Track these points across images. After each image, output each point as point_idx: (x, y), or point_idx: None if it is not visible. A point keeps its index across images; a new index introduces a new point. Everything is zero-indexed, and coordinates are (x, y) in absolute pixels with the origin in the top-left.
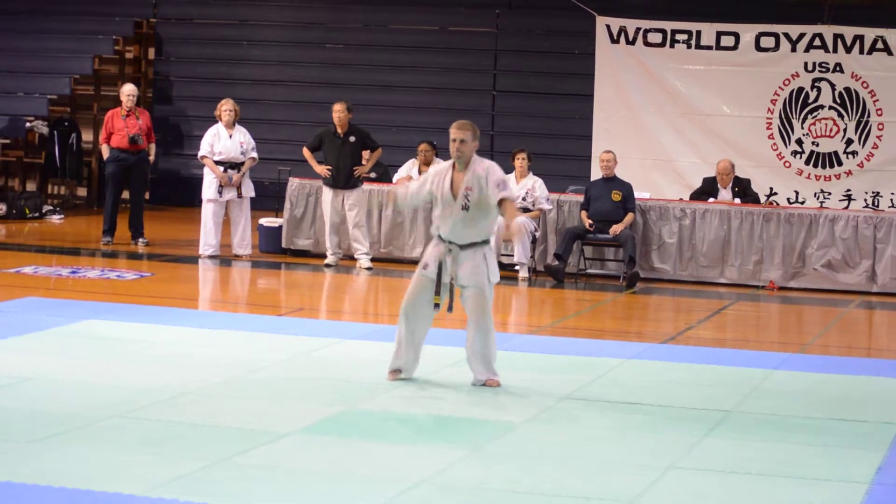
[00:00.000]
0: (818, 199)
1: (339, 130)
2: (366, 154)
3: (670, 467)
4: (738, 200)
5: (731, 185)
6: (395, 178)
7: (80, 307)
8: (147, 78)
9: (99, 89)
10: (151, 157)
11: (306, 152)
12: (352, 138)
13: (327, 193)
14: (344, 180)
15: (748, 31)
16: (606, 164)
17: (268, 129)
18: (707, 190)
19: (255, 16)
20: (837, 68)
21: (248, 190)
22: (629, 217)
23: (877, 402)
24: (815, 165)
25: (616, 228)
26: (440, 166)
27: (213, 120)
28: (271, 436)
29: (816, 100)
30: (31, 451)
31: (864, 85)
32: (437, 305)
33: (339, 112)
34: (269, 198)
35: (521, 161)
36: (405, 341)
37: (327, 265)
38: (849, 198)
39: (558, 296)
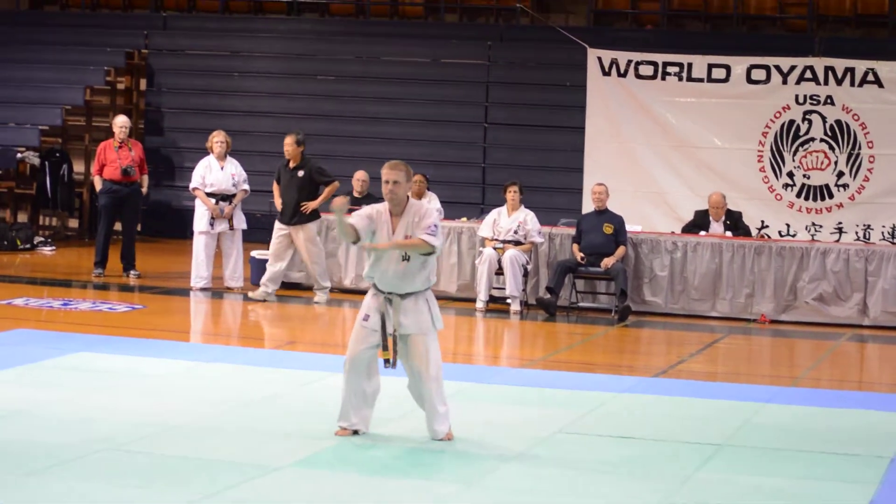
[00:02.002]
0: (809, 231)
1: (290, 164)
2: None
3: (662, 501)
4: (729, 234)
5: (723, 218)
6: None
7: (72, 339)
8: (138, 109)
9: (90, 120)
10: (144, 189)
11: (275, 186)
12: (300, 172)
13: (276, 227)
14: (289, 215)
15: (739, 64)
16: (598, 196)
17: (259, 160)
18: (699, 223)
19: (247, 47)
20: (828, 101)
21: (240, 222)
22: (621, 250)
23: (868, 435)
24: (807, 198)
25: (608, 262)
26: (375, 208)
27: (205, 151)
28: (262, 469)
29: (808, 132)
30: (23, 484)
31: (855, 117)
32: (387, 361)
33: (287, 145)
34: (260, 230)
35: (512, 194)
36: (355, 398)
37: (251, 298)
38: (840, 230)
39: (550, 329)
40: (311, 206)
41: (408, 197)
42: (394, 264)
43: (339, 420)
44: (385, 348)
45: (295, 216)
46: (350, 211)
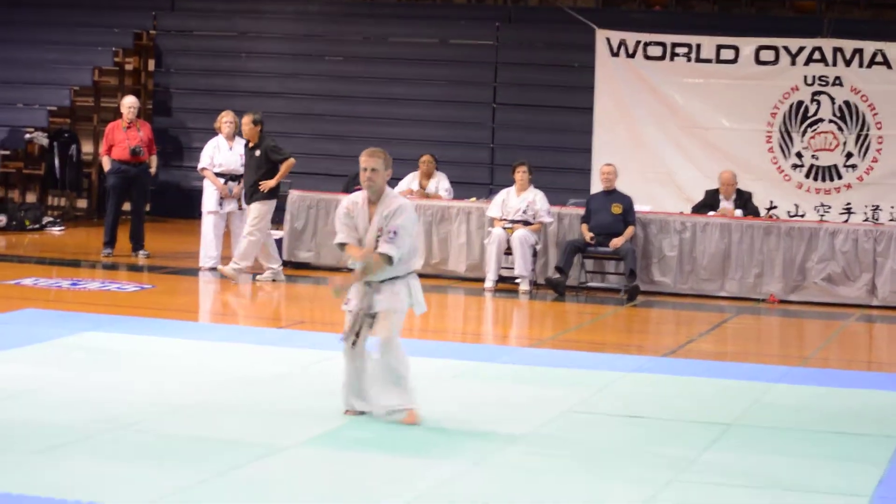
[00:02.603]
0: (818, 212)
1: (249, 144)
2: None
3: (671, 480)
4: (739, 212)
5: (733, 196)
6: (396, 191)
7: (80, 319)
8: (147, 90)
9: (99, 101)
10: (153, 170)
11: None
12: (257, 152)
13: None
14: (248, 195)
15: (748, 45)
16: (607, 176)
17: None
18: (709, 202)
19: (255, 28)
20: (837, 82)
21: None
22: (629, 230)
23: (877, 415)
24: (815, 179)
25: (616, 242)
26: (352, 199)
27: (213, 132)
28: (271, 449)
29: (816, 113)
30: (31, 463)
31: (864, 98)
32: (353, 342)
33: (245, 125)
34: None
35: (521, 174)
36: (356, 381)
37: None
38: (849, 211)
39: (559, 309)
40: (267, 184)
41: (386, 186)
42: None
43: (343, 404)
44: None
45: (252, 196)
46: (356, 191)
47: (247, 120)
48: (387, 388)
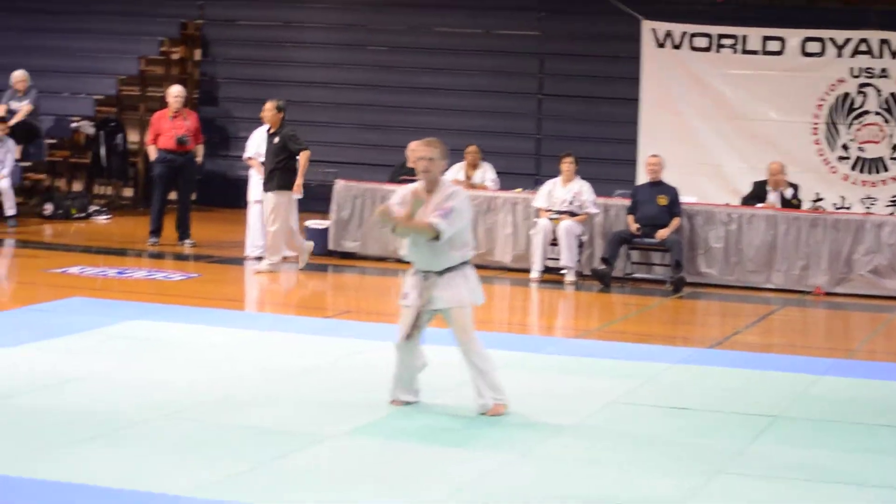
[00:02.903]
0: (864, 204)
1: (270, 130)
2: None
3: (717, 472)
4: (790, 191)
5: (781, 188)
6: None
7: (126, 308)
8: (193, 79)
9: (145, 90)
10: (199, 159)
11: None
12: (276, 139)
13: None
14: (266, 181)
15: (794, 36)
16: (653, 167)
17: (313, 130)
18: (757, 194)
19: (301, 18)
20: (883, 73)
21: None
22: (675, 221)
23: None
24: (862, 171)
25: (662, 233)
26: (409, 187)
27: (259, 121)
28: (316, 438)
29: (862, 105)
30: (76, 451)
31: None
32: (408, 336)
33: (267, 111)
34: (315, 200)
35: (567, 165)
36: (407, 374)
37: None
38: (895, 203)
39: (605, 300)
40: (298, 187)
41: (442, 176)
42: (423, 241)
43: (390, 395)
44: (413, 324)
45: (269, 182)
46: (402, 181)
47: (269, 105)
48: (475, 385)
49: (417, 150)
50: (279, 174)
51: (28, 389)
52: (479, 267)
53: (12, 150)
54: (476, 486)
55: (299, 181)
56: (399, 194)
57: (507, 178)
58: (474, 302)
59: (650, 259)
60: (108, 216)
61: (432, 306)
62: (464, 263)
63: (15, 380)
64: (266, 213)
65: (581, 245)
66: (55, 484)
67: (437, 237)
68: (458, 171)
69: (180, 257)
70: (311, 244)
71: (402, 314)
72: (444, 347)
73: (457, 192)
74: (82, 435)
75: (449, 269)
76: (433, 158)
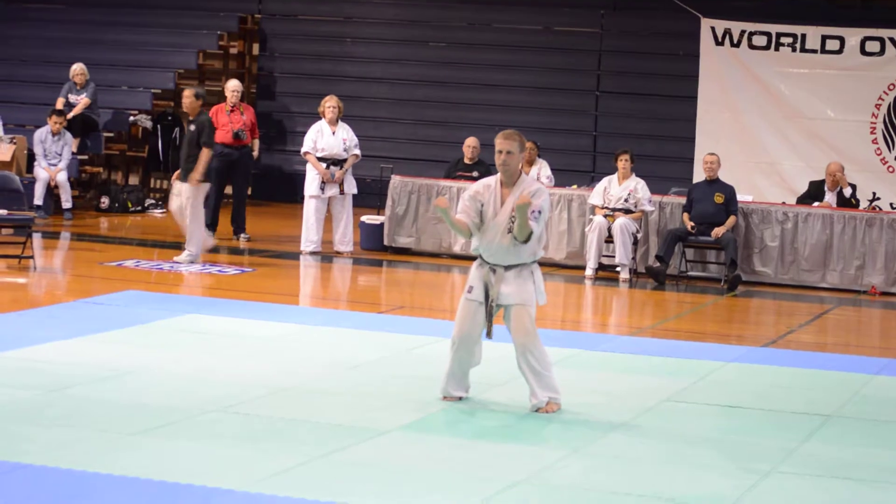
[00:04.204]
0: None
1: (190, 117)
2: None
3: (770, 471)
4: (849, 192)
5: (839, 188)
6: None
7: (181, 301)
8: (251, 73)
9: (203, 84)
10: (255, 153)
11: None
12: (191, 127)
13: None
14: (183, 172)
15: (853, 36)
16: (710, 166)
17: (371, 126)
18: (813, 193)
19: (360, 13)
20: None
21: (351, 187)
22: (731, 220)
23: None
24: None
25: (718, 231)
26: (483, 183)
27: (317, 116)
28: (371, 433)
29: None
30: (132, 444)
31: None
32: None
33: (185, 97)
34: (371, 195)
35: (623, 162)
36: (459, 370)
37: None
38: None
39: (659, 298)
40: (194, 176)
41: (521, 169)
42: (499, 236)
43: (441, 392)
44: (489, 321)
45: (184, 172)
46: (458, 177)
47: (188, 93)
48: (529, 385)
49: (497, 143)
50: (194, 164)
51: (85, 381)
52: None
53: (69, 143)
54: (529, 482)
55: (196, 174)
56: (473, 187)
57: (564, 175)
58: (539, 301)
59: (705, 257)
60: (164, 210)
61: (497, 301)
62: (533, 261)
63: (72, 371)
64: (183, 204)
65: (636, 242)
66: (108, 477)
67: (527, 239)
68: None
69: (235, 251)
70: (213, 242)
71: (462, 307)
72: (492, 343)
73: (540, 190)
74: (138, 427)
75: (517, 265)
76: (511, 151)
